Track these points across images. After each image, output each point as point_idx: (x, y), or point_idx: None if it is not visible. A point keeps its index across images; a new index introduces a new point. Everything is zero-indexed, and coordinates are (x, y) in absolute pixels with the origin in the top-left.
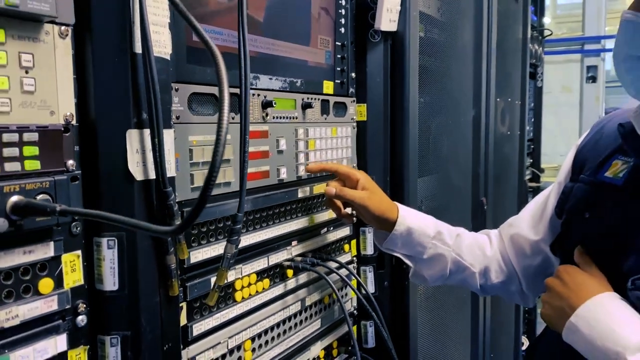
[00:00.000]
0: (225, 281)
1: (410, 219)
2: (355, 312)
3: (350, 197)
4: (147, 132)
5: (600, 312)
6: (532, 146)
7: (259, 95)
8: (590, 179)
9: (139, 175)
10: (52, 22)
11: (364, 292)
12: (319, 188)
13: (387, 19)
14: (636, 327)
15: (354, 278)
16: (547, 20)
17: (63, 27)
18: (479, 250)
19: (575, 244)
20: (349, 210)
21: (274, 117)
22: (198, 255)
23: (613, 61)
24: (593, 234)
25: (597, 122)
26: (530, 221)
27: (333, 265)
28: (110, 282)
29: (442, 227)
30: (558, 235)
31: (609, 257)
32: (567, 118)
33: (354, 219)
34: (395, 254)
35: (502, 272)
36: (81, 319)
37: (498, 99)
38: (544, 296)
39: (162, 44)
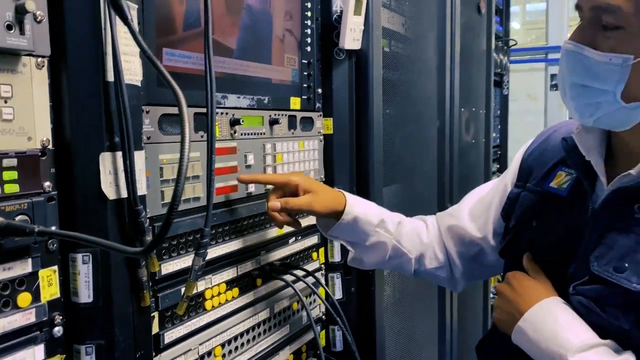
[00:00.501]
0: (195, 291)
1: (357, 208)
2: (323, 317)
3: (297, 207)
4: (119, 154)
5: (545, 316)
6: (499, 152)
7: (227, 113)
8: (537, 189)
9: (111, 195)
10: (30, 54)
11: (332, 298)
12: None
13: (350, 38)
14: (577, 330)
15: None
16: (516, 26)
17: (40, 59)
18: (417, 238)
19: (524, 250)
20: (289, 218)
21: (242, 134)
22: (169, 267)
23: (558, 87)
24: (540, 242)
25: (543, 132)
26: (470, 215)
27: (300, 273)
28: (85, 294)
29: (385, 216)
30: (507, 241)
31: (554, 264)
32: (533, 125)
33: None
34: (338, 241)
35: (435, 259)
36: (58, 330)
37: (462, 109)
38: (496, 301)
39: (133, 72)
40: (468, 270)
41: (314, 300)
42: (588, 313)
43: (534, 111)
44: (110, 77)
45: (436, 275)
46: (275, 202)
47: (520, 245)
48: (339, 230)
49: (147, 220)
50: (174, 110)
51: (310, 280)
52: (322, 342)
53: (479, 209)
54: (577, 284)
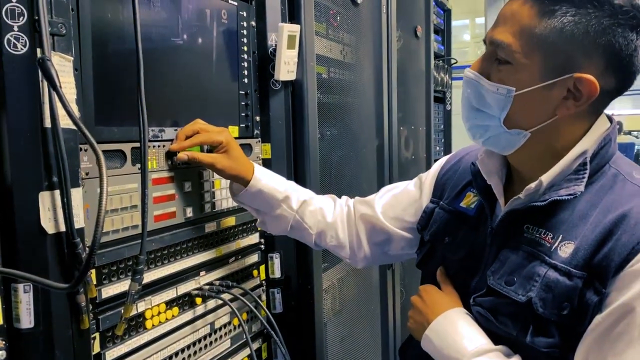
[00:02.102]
0: (135, 312)
1: (263, 181)
2: (265, 330)
3: (199, 161)
4: (57, 192)
5: (448, 325)
6: None
7: (164, 145)
8: (449, 207)
9: (50, 230)
10: None
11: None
12: (226, 222)
13: (285, 70)
14: (473, 337)
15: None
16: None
17: None
18: (321, 216)
19: (438, 264)
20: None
21: (179, 164)
22: (109, 290)
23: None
24: (451, 257)
25: (457, 153)
26: (384, 209)
27: (239, 291)
28: (27, 320)
29: (291, 193)
30: (423, 255)
31: (462, 278)
32: None
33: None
34: (245, 207)
35: (335, 239)
36: (1, 354)
37: (401, 127)
38: (410, 312)
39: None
40: (372, 253)
41: (256, 315)
42: (485, 322)
43: None
44: (48, 123)
45: (336, 252)
46: (183, 154)
47: (435, 260)
48: (244, 197)
49: (85, 250)
50: (111, 146)
51: (248, 297)
52: (264, 354)
53: (393, 207)
54: (476, 295)
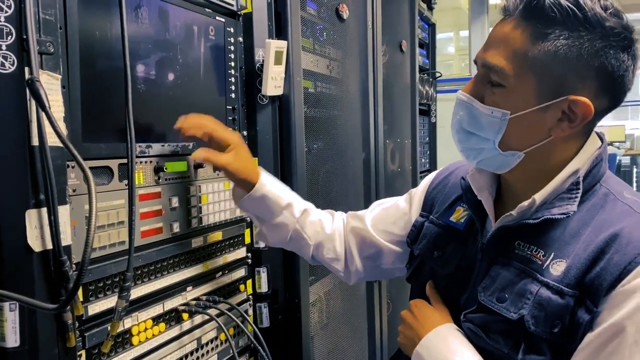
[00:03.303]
0: (122, 328)
1: (268, 187)
2: (252, 345)
3: (214, 163)
4: (44, 210)
5: (439, 341)
6: None
7: (151, 162)
8: (439, 222)
9: (37, 247)
10: None
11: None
12: (213, 237)
13: (272, 86)
14: (464, 354)
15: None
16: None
17: None
18: (320, 228)
19: (428, 278)
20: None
21: (166, 179)
22: (96, 307)
23: (451, 129)
24: (440, 272)
25: (448, 167)
26: (374, 222)
27: (226, 306)
28: (12, 339)
29: (294, 201)
30: (413, 269)
31: (451, 293)
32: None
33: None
34: (247, 214)
35: (332, 251)
36: None
37: (387, 141)
38: (400, 327)
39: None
40: (364, 267)
41: (243, 330)
42: (476, 338)
43: None
44: (35, 142)
45: (331, 265)
46: (198, 153)
47: (424, 274)
48: (248, 202)
49: (73, 267)
50: (99, 163)
51: (235, 312)
52: None
53: (384, 222)
54: (467, 312)
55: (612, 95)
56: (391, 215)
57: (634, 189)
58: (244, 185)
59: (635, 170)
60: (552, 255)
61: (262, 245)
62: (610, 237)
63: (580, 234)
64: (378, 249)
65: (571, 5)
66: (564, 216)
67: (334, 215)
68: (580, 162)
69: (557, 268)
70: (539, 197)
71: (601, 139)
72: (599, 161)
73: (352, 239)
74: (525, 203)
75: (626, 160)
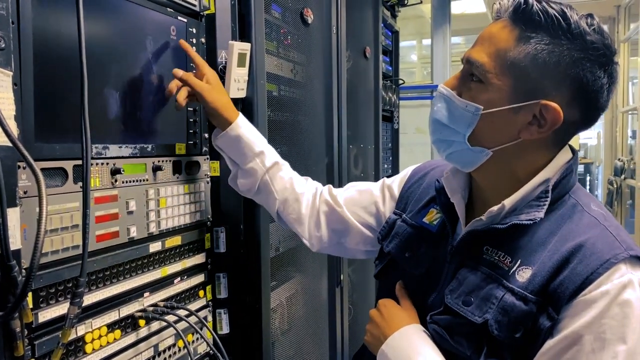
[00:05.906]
0: (74, 336)
1: (243, 129)
2: (211, 352)
3: (191, 83)
4: None
5: (403, 342)
6: None
7: (107, 163)
8: (412, 222)
9: None
10: None
11: (218, 332)
12: (172, 241)
13: (235, 88)
14: (427, 355)
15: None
16: (414, 58)
17: None
18: (289, 185)
19: (397, 278)
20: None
21: (123, 182)
22: (47, 314)
23: (428, 120)
24: (410, 272)
25: (424, 165)
26: (347, 201)
27: (184, 312)
28: None
29: (267, 151)
30: (383, 266)
31: (420, 294)
32: (421, 155)
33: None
34: (222, 154)
35: (296, 212)
36: None
37: (351, 146)
38: (367, 325)
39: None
40: (329, 238)
41: (201, 337)
42: (441, 340)
43: (422, 143)
44: None
45: (293, 225)
46: (178, 70)
47: (395, 273)
48: (222, 141)
49: (22, 272)
50: (52, 164)
51: (193, 319)
52: None
53: (354, 199)
54: (433, 313)
55: (583, 108)
56: (364, 200)
57: None
58: (222, 125)
59: (588, 178)
60: (518, 262)
61: (222, 249)
62: (575, 247)
63: (547, 242)
64: (346, 225)
65: (557, 14)
66: (531, 222)
67: (307, 179)
68: (551, 172)
69: (523, 275)
70: (508, 202)
71: (573, 151)
72: (569, 172)
73: (324, 208)
74: (495, 208)
75: (580, 168)
